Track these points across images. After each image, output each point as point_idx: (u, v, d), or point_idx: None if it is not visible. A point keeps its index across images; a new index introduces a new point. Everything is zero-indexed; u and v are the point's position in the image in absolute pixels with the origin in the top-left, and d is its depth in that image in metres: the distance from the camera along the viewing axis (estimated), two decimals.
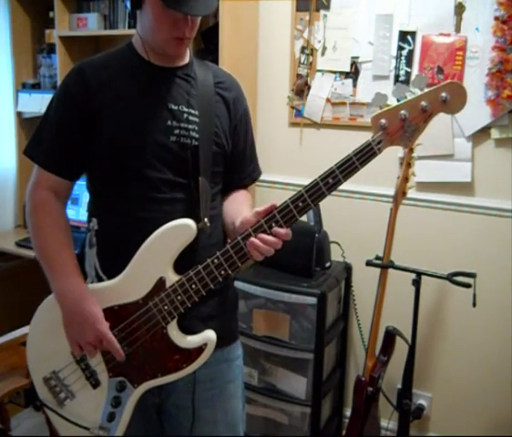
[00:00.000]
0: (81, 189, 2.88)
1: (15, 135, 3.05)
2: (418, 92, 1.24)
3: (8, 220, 3.11)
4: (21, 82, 3.05)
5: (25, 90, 3.02)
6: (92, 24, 2.84)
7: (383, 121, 1.23)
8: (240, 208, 1.41)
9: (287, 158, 2.77)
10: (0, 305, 2.90)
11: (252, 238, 1.23)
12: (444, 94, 1.21)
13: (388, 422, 2.55)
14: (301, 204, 1.24)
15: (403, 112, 1.23)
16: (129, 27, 2.80)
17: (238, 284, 2.38)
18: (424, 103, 1.22)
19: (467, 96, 1.21)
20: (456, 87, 1.22)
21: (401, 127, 1.24)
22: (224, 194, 1.49)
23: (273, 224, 1.23)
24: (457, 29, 2.34)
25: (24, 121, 3.06)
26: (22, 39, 3.03)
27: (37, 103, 2.93)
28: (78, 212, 2.88)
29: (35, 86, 3.04)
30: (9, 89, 3.02)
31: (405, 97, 1.25)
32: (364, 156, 1.22)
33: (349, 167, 1.22)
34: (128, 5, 1.31)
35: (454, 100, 1.21)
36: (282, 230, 1.23)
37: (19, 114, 3.04)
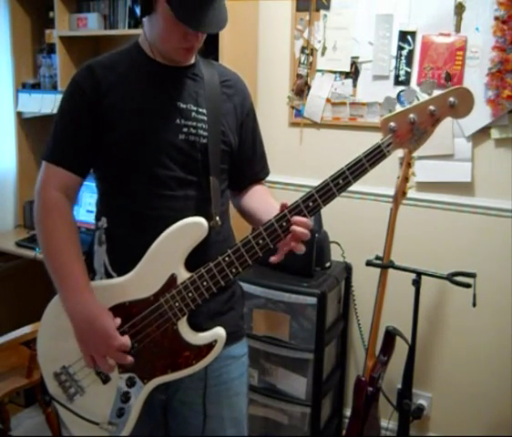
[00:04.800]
0: (81, 189, 2.88)
1: (15, 135, 3.04)
2: (426, 97, 1.26)
3: (8, 220, 3.11)
4: (21, 82, 3.05)
5: (25, 90, 3.01)
6: (92, 24, 2.84)
7: (392, 124, 1.26)
8: (268, 201, 1.45)
9: (287, 158, 2.77)
10: (0, 305, 2.90)
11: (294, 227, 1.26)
12: (451, 99, 1.24)
13: (388, 422, 2.55)
14: (311, 204, 1.27)
15: (411, 116, 1.25)
16: (129, 27, 2.80)
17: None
18: (432, 107, 1.25)
19: (474, 101, 1.24)
20: (464, 92, 1.25)
21: (410, 131, 1.27)
22: (239, 191, 1.52)
23: (284, 223, 1.26)
24: (457, 29, 2.34)
25: (24, 121, 3.06)
26: (22, 39, 3.03)
27: (37, 103, 2.93)
28: (78, 212, 2.88)
29: (35, 86, 3.04)
30: (9, 89, 3.02)
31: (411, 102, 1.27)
32: (374, 157, 1.26)
33: (359, 168, 1.26)
34: (138, 11, 1.31)
35: (461, 105, 1.25)
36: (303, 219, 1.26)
37: (19, 114, 3.04)
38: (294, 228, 1.25)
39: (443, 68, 2.37)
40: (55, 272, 1.34)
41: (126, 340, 1.31)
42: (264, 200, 1.47)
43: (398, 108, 1.22)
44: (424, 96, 1.20)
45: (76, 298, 1.31)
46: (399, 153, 2.20)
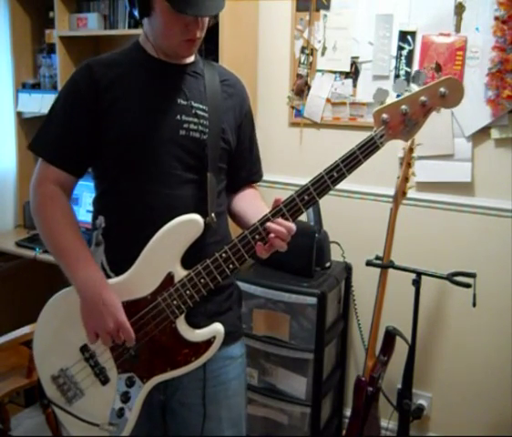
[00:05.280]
0: (81, 189, 2.89)
1: (15, 135, 3.05)
2: (417, 88, 1.27)
3: (8, 220, 3.11)
4: (21, 82, 3.05)
5: (25, 90, 3.02)
6: (92, 24, 2.84)
7: (384, 116, 1.27)
8: (258, 204, 1.46)
9: (287, 158, 2.77)
10: (0, 305, 2.90)
11: (270, 223, 1.26)
12: (442, 89, 1.26)
13: (388, 422, 2.55)
14: (306, 197, 1.27)
15: (403, 107, 1.27)
16: (129, 27, 2.80)
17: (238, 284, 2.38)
18: (423, 98, 1.26)
19: (464, 91, 1.26)
20: (454, 83, 1.27)
21: (402, 122, 1.28)
22: (232, 192, 1.52)
23: (280, 217, 1.27)
24: (457, 29, 2.34)
25: (24, 121, 3.06)
26: (22, 39, 3.03)
27: (37, 103, 2.94)
28: (78, 212, 2.88)
29: (35, 86, 3.04)
30: (9, 89, 3.02)
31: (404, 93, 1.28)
32: (367, 149, 1.27)
33: (353, 160, 1.26)
34: (137, 13, 1.31)
35: (451, 95, 1.26)
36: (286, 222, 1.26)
37: (19, 114, 3.04)
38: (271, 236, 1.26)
39: (443, 68, 2.37)
40: (58, 251, 1.34)
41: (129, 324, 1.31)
42: (253, 203, 1.47)
43: (389, 100, 1.24)
44: (414, 88, 1.22)
45: (84, 271, 1.31)
46: (399, 153, 2.21)
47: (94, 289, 1.30)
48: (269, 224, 1.26)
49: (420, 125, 1.29)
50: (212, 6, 1.26)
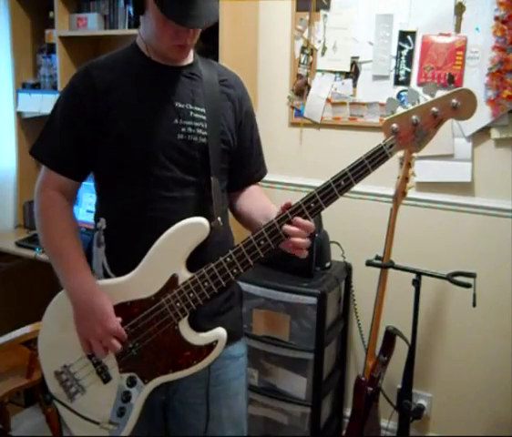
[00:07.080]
0: (81, 190, 2.88)
1: (15, 135, 3.05)
2: (429, 98, 1.26)
3: (8, 220, 3.11)
4: (21, 82, 3.05)
5: (25, 90, 3.02)
6: (92, 24, 2.84)
7: (394, 126, 1.26)
8: (264, 203, 1.45)
9: (287, 158, 2.77)
10: (0, 305, 2.90)
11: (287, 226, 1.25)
12: (454, 100, 1.24)
13: (388, 422, 2.55)
14: (313, 205, 1.27)
15: (414, 117, 1.25)
16: (129, 27, 2.80)
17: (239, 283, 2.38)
18: (435, 109, 1.24)
19: (477, 103, 1.23)
20: (467, 94, 1.24)
21: (412, 132, 1.26)
22: (236, 191, 1.52)
23: (285, 224, 1.26)
24: (457, 29, 2.34)
25: (24, 121, 3.06)
26: (22, 39, 3.03)
27: (37, 103, 2.93)
28: (78, 212, 2.88)
29: (35, 86, 3.04)
30: (9, 89, 3.02)
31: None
32: (376, 159, 1.25)
33: (361, 169, 1.25)
34: (131, 10, 1.32)
35: (464, 107, 1.24)
36: (304, 221, 1.26)
37: (19, 114, 3.04)
38: (294, 240, 1.25)
39: (443, 68, 2.37)
40: (54, 257, 1.36)
41: (122, 328, 1.31)
42: (260, 202, 1.47)
43: (400, 110, 1.23)
44: (426, 98, 1.20)
45: (76, 277, 1.33)
46: (399, 153, 2.20)
47: (84, 295, 1.31)
48: (286, 227, 1.25)
49: (431, 136, 1.26)
50: (204, 18, 1.24)
